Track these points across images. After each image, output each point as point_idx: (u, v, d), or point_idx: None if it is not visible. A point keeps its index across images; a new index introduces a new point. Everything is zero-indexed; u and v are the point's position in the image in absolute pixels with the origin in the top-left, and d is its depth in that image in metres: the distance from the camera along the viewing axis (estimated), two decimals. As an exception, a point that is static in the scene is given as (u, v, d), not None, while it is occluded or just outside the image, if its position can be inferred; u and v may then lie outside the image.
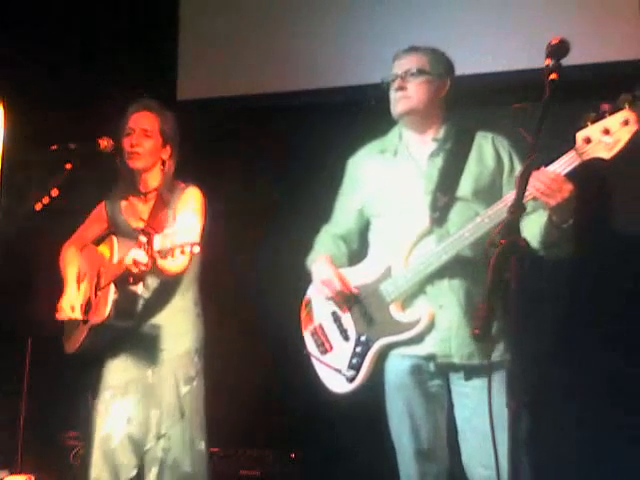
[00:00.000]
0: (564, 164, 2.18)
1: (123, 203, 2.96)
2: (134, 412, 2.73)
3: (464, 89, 2.80)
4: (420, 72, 2.53)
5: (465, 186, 2.48)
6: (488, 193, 2.47)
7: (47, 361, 3.88)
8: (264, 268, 3.85)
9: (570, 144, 2.32)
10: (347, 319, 2.56)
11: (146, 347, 2.79)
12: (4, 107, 3.50)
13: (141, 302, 2.78)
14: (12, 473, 3.52)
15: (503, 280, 1.79)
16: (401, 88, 2.54)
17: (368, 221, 2.66)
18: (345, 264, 2.65)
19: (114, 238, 2.88)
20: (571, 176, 2.18)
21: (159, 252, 2.36)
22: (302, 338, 2.68)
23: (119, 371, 2.80)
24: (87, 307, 2.86)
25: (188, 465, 2.72)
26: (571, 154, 2.16)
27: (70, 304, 2.86)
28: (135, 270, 2.47)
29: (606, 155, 2.09)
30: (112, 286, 2.70)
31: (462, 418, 2.45)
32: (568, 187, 2.18)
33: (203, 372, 2.84)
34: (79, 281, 2.96)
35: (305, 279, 2.68)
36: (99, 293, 2.79)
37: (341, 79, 4.10)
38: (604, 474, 3.28)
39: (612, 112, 2.08)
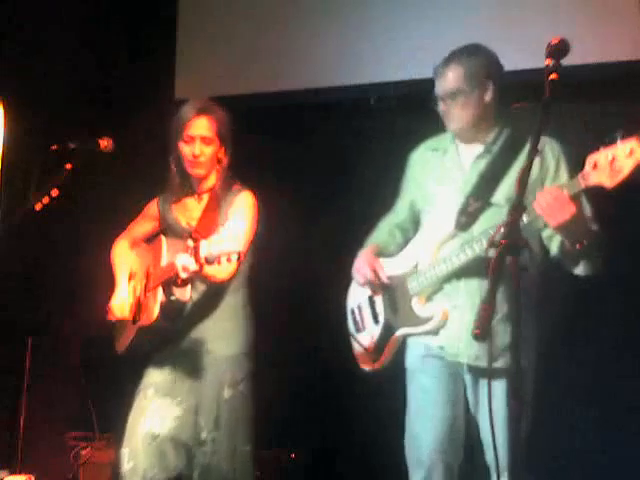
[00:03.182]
0: (569, 187, 2.14)
1: (175, 201, 2.91)
2: (179, 413, 2.71)
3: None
4: (457, 94, 2.49)
5: (501, 192, 2.47)
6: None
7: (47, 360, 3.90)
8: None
9: (571, 144, 2.32)
10: (379, 304, 2.68)
11: (193, 349, 2.76)
12: (4, 107, 3.50)
13: (190, 304, 2.74)
14: (12, 473, 3.52)
15: (504, 280, 1.80)
16: (445, 111, 2.54)
17: (418, 213, 2.71)
18: (396, 253, 2.72)
19: (163, 238, 2.83)
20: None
21: (205, 258, 2.33)
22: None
23: (164, 371, 2.77)
24: (136, 307, 2.82)
25: (231, 470, 2.69)
26: (578, 178, 2.11)
27: (121, 304, 2.84)
28: (184, 276, 2.44)
29: (608, 183, 2.03)
30: (160, 289, 2.66)
31: (473, 407, 2.51)
32: (570, 209, 2.14)
33: (253, 375, 2.81)
34: (130, 280, 2.92)
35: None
36: (148, 294, 2.75)
37: (341, 78, 4.10)
38: (606, 474, 3.28)
39: (623, 139, 2.02)
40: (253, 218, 2.79)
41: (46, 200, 2.63)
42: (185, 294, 2.68)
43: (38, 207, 2.62)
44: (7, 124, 3.48)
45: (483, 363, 2.40)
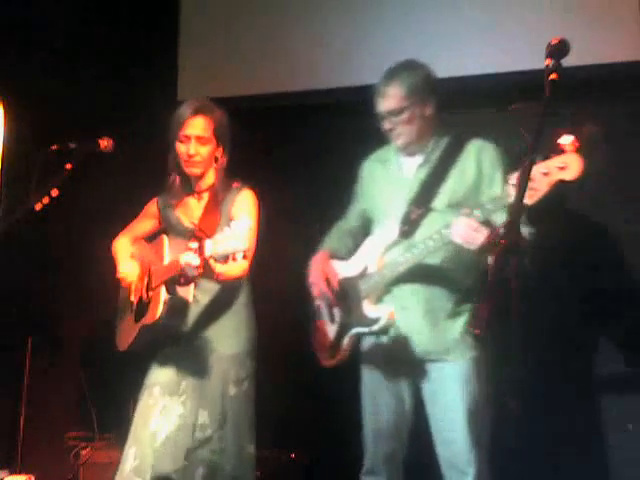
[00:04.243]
0: (495, 205, 2.27)
1: (177, 201, 2.91)
2: (184, 411, 2.70)
3: (464, 91, 2.79)
4: (400, 111, 2.61)
5: (441, 198, 2.60)
6: (463, 205, 2.53)
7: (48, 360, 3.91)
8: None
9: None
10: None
11: (197, 348, 2.76)
12: (4, 107, 3.50)
13: (193, 303, 2.73)
14: (12, 473, 3.52)
15: (503, 280, 1.80)
16: (390, 129, 2.65)
17: (370, 221, 2.82)
18: (348, 257, 2.81)
19: (164, 237, 2.84)
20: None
21: (211, 258, 2.35)
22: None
23: (169, 370, 2.77)
24: (138, 306, 2.81)
25: (235, 468, 2.70)
26: (504, 195, 2.21)
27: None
28: (191, 274, 2.44)
29: (527, 201, 2.06)
30: (163, 287, 2.66)
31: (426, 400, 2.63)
32: (483, 232, 2.31)
33: (255, 374, 2.83)
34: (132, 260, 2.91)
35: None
36: (150, 293, 2.74)
37: (340, 80, 4.11)
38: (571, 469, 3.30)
39: (543, 160, 2.06)
40: (256, 215, 2.81)
41: (46, 200, 2.64)
42: (188, 293, 2.69)
43: (38, 207, 2.63)
44: (7, 124, 3.48)
45: (433, 357, 2.56)
